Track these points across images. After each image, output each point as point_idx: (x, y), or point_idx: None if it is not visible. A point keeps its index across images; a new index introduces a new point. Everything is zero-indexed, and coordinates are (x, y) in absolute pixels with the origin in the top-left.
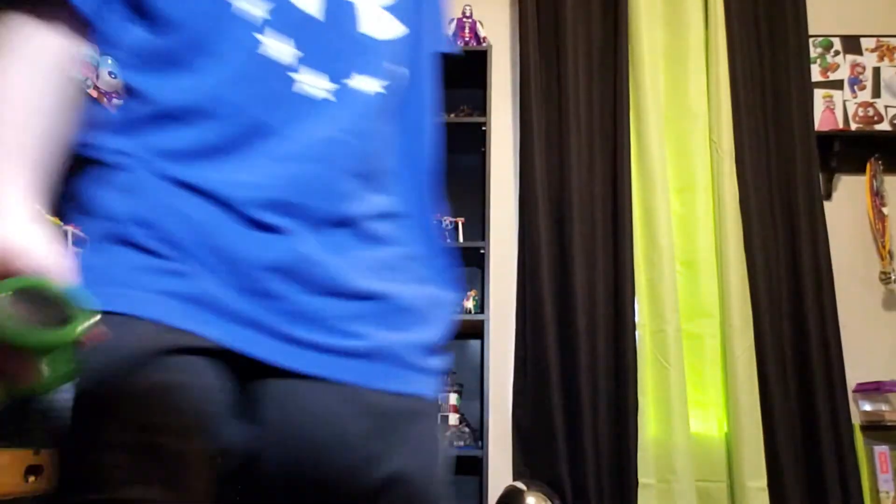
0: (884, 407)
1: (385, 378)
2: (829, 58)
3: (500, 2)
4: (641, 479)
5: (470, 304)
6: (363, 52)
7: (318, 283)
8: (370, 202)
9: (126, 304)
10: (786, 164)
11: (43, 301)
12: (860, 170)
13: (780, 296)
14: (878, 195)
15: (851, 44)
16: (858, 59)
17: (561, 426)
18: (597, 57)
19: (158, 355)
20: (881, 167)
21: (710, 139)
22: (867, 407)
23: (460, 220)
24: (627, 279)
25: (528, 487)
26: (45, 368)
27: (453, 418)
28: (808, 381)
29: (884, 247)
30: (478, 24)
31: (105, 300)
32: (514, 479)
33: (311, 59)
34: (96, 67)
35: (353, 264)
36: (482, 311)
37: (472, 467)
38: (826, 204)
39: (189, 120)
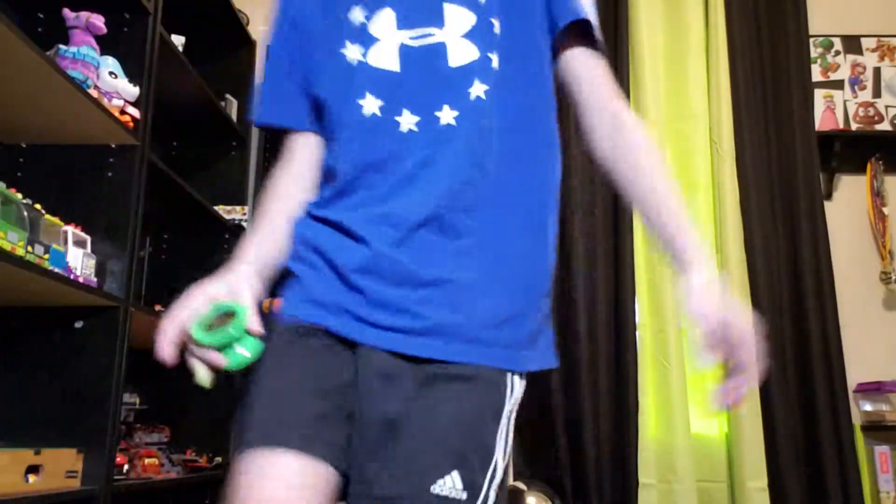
0: (884, 407)
1: (435, 349)
2: (829, 58)
3: None
4: (642, 479)
5: None
6: (450, 85)
7: (392, 276)
8: (457, 201)
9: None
10: (786, 164)
11: (231, 316)
12: (860, 170)
13: (781, 296)
14: (878, 195)
15: (852, 44)
16: (859, 58)
17: (561, 426)
18: None
19: (287, 333)
20: (882, 167)
21: (711, 139)
22: (868, 407)
23: None
24: (628, 279)
25: (528, 487)
26: (226, 357)
27: None
28: (808, 381)
29: (884, 247)
30: None
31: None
32: (514, 479)
33: (397, 104)
34: (97, 67)
35: (425, 257)
36: None
37: None
38: (826, 204)
39: (329, 177)
